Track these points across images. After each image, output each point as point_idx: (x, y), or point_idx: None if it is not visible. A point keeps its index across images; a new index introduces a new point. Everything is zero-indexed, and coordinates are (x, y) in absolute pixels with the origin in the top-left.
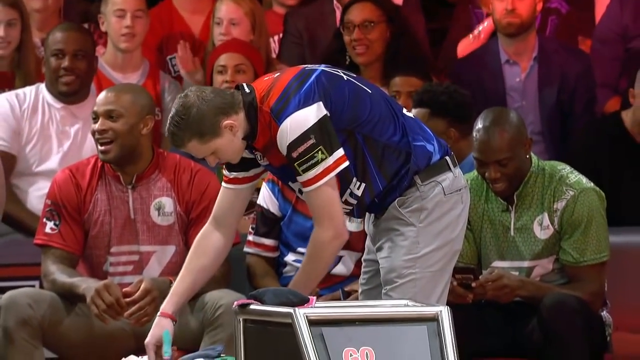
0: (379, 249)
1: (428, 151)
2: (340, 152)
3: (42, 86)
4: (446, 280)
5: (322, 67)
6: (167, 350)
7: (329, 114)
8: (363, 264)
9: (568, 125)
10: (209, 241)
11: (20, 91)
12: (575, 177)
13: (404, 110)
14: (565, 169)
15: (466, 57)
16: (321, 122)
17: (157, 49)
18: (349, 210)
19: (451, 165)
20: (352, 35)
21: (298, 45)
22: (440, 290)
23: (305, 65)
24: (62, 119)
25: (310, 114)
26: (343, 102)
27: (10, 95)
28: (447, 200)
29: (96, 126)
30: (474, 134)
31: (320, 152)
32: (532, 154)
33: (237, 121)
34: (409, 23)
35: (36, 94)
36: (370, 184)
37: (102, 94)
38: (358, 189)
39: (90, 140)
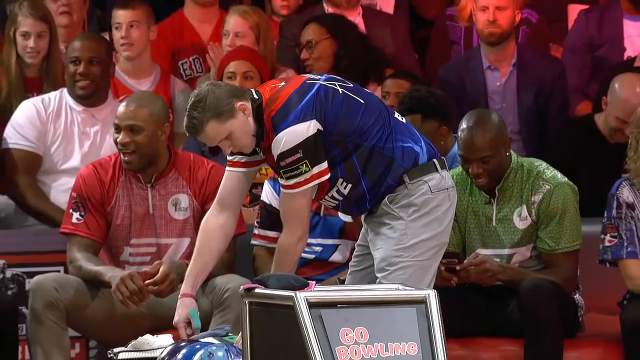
0: (372, 241)
1: (415, 152)
2: (322, 165)
3: (65, 91)
4: (433, 271)
5: (322, 80)
6: (197, 324)
7: (321, 129)
8: (356, 248)
9: (544, 126)
10: (215, 224)
11: (45, 96)
12: (551, 172)
13: (396, 115)
14: (542, 165)
15: (451, 64)
16: (311, 138)
17: (170, 55)
18: (334, 204)
19: (439, 167)
20: (301, 54)
21: (292, 48)
22: (429, 279)
23: (308, 77)
24: (83, 121)
25: (303, 130)
26: (336, 115)
27: (36, 100)
28: (434, 197)
29: (119, 138)
30: (459, 133)
31: (304, 165)
32: (511, 152)
33: (248, 105)
34: (359, 33)
35: (60, 99)
36: (356, 185)
37: (123, 107)
38: (345, 188)
39: (108, 141)
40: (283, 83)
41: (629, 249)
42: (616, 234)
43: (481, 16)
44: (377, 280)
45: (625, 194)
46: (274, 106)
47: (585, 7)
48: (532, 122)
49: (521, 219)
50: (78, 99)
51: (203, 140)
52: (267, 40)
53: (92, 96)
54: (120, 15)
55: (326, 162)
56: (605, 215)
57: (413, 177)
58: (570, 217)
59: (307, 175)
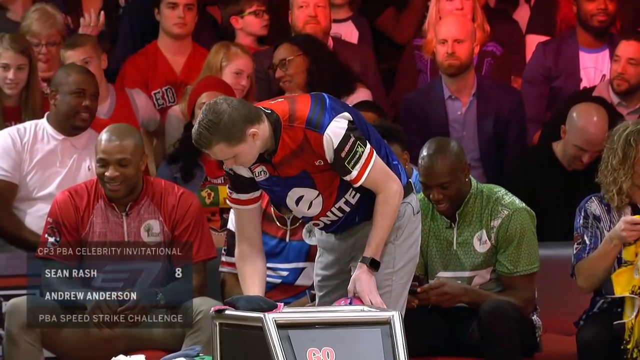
0: (353, 260)
1: (400, 172)
2: (369, 144)
3: (42, 121)
4: (407, 290)
5: (325, 95)
6: None
7: (351, 119)
8: (317, 275)
9: (502, 153)
10: (254, 258)
11: (20, 126)
12: (510, 198)
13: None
14: (500, 191)
15: (414, 94)
16: (351, 124)
17: (144, 85)
18: (335, 219)
19: (414, 188)
20: (275, 74)
21: (263, 81)
22: (405, 298)
23: (311, 93)
24: (62, 149)
25: (343, 121)
26: (355, 115)
27: (12, 130)
28: (415, 219)
29: (107, 172)
30: (419, 160)
31: (359, 145)
32: (471, 178)
33: (259, 130)
34: (328, 50)
35: (36, 129)
36: (364, 194)
37: (106, 142)
38: (353, 197)
39: (84, 168)
40: (284, 99)
41: (591, 253)
42: (581, 240)
43: (441, 49)
44: None
45: (593, 207)
46: (300, 115)
47: (542, 38)
48: (491, 150)
49: (481, 243)
50: (70, 129)
51: (208, 153)
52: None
53: (87, 128)
54: (71, 55)
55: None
56: (575, 227)
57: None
58: (528, 241)
59: (367, 152)
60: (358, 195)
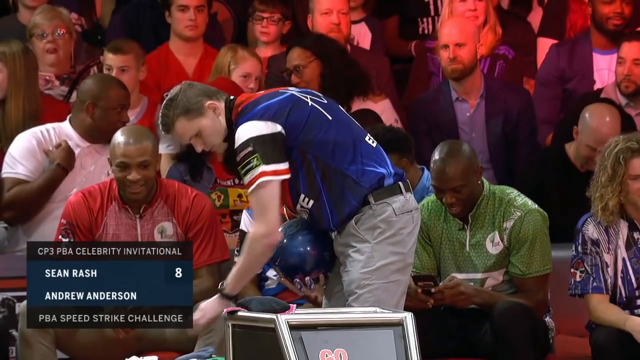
0: (342, 264)
1: (379, 174)
2: (281, 165)
3: (65, 125)
4: (402, 291)
5: (294, 90)
6: None
7: (283, 132)
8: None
9: (513, 153)
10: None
11: (42, 129)
12: (522, 199)
13: (367, 138)
14: (513, 192)
15: (422, 97)
16: (267, 136)
17: (156, 87)
18: (311, 221)
19: (403, 190)
20: (290, 79)
21: (280, 83)
22: (397, 299)
23: (285, 88)
24: (86, 155)
25: (258, 126)
26: (299, 123)
27: (36, 132)
28: (398, 219)
29: (130, 176)
30: (431, 164)
31: (255, 159)
32: (483, 180)
33: (219, 105)
34: (339, 47)
35: (59, 133)
36: (319, 202)
37: (126, 145)
38: (307, 204)
39: (104, 174)
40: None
41: (594, 284)
42: (584, 269)
43: (443, 54)
44: (347, 303)
45: (590, 230)
46: (242, 105)
47: (553, 42)
48: (501, 151)
49: (493, 245)
50: (104, 141)
51: (176, 138)
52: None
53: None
54: (111, 59)
55: (287, 163)
56: (573, 249)
57: (378, 198)
58: (541, 243)
59: (258, 170)
60: (311, 202)
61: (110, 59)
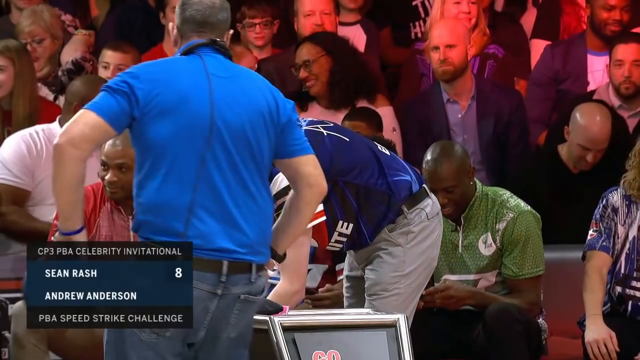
0: (368, 263)
1: (407, 182)
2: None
3: (54, 126)
4: (420, 293)
5: (306, 124)
6: None
7: None
8: (345, 280)
9: (505, 154)
10: None
11: (32, 131)
12: (515, 201)
13: (380, 147)
14: (505, 193)
15: (414, 99)
16: None
17: None
18: (339, 248)
19: (429, 192)
20: (299, 74)
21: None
22: (415, 302)
23: None
24: None
25: None
26: (327, 157)
27: (25, 136)
28: (430, 223)
29: (107, 176)
30: (424, 165)
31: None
32: (476, 181)
33: None
34: (351, 47)
35: (48, 135)
36: (357, 222)
37: (109, 146)
38: (346, 229)
39: (93, 172)
40: None
41: (604, 243)
42: (598, 228)
43: (434, 55)
44: (369, 301)
45: (615, 198)
46: None
47: (548, 42)
48: (493, 152)
49: (486, 246)
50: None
51: None
52: None
53: None
54: (110, 56)
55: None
56: (595, 212)
57: (411, 206)
58: (533, 244)
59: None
60: (351, 225)
61: (109, 55)
